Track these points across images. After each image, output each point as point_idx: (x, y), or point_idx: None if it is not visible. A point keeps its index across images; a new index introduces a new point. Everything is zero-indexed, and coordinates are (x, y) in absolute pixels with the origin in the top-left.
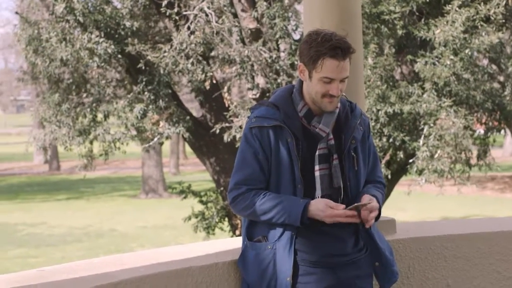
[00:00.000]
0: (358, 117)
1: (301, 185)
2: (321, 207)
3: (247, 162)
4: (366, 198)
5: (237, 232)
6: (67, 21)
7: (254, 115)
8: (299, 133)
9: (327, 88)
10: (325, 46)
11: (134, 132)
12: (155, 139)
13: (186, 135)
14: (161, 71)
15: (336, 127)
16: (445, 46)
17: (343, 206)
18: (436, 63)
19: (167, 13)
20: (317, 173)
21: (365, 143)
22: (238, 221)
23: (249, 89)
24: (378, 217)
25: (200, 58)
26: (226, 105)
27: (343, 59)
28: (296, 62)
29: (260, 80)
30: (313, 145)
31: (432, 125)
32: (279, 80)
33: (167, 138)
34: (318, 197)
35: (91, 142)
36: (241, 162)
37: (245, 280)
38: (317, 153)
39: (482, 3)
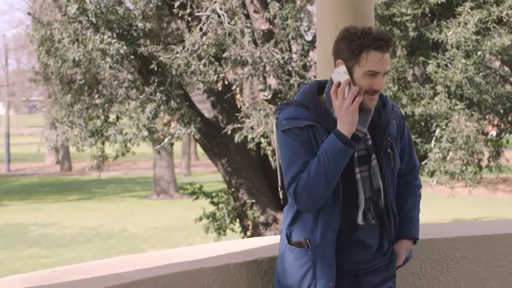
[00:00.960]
0: (391, 111)
1: (341, 189)
2: (342, 118)
3: (298, 153)
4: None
5: (248, 233)
6: (80, 22)
7: (284, 116)
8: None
9: (371, 83)
10: (368, 39)
11: (145, 133)
12: (166, 139)
13: (197, 136)
14: (173, 72)
15: (371, 124)
16: (457, 48)
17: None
18: (449, 65)
19: (180, 14)
20: (358, 176)
21: (399, 137)
22: (250, 222)
23: (261, 90)
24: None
25: (213, 59)
26: (238, 106)
27: (387, 50)
28: (308, 63)
29: (272, 81)
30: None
31: (444, 127)
32: (291, 81)
33: (178, 138)
34: (361, 202)
35: (103, 143)
36: (291, 156)
37: (280, 283)
38: (355, 154)
39: (494, 5)
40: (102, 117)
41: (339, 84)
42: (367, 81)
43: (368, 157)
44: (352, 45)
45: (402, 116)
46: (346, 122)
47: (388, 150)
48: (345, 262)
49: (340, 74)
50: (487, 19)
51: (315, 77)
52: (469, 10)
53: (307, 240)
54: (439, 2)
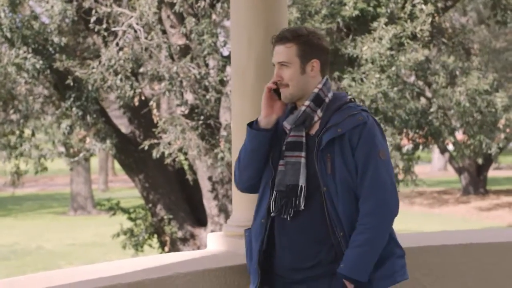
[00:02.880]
0: (339, 119)
1: (271, 176)
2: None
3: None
4: None
5: (166, 249)
6: None
7: None
8: (280, 128)
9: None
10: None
11: (61, 149)
12: (81, 154)
13: (113, 151)
14: (90, 87)
15: (319, 128)
16: (372, 62)
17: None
18: (364, 79)
19: (96, 29)
20: (278, 168)
21: (348, 147)
22: (167, 238)
23: (178, 105)
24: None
25: (129, 74)
26: (155, 122)
27: (278, 43)
28: (225, 78)
29: (189, 97)
30: (282, 140)
31: None
32: (207, 97)
33: (92, 154)
34: (274, 191)
35: (16, 158)
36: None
37: None
38: (283, 148)
39: (408, 21)
40: (17, 132)
41: None
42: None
43: (283, 153)
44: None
45: (361, 131)
46: (261, 109)
47: (328, 155)
48: (279, 262)
49: None
50: (401, 34)
51: (231, 91)
52: (383, 26)
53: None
54: (354, 15)
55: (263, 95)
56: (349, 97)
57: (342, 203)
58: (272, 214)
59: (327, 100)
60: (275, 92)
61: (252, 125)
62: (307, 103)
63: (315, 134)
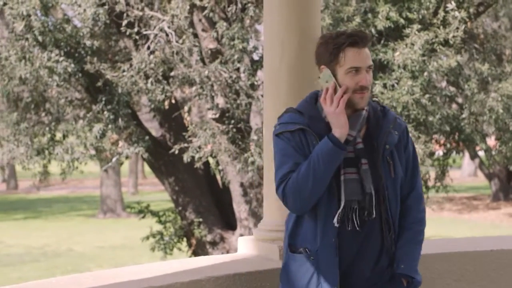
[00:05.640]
0: (392, 121)
1: (333, 190)
2: (335, 122)
3: (289, 154)
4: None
5: (195, 252)
6: (27, 39)
7: (279, 122)
8: (324, 136)
9: (356, 80)
10: (342, 37)
11: (93, 152)
12: (114, 159)
13: (145, 155)
14: (120, 91)
15: (368, 133)
16: (404, 68)
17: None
18: (395, 85)
19: (127, 33)
20: (342, 177)
21: (402, 149)
22: (196, 241)
23: (208, 109)
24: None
25: (160, 78)
26: (186, 125)
27: (363, 45)
28: (256, 82)
29: (219, 100)
30: None
31: None
32: (238, 101)
33: (126, 158)
34: (342, 203)
35: (49, 161)
36: (282, 157)
37: None
38: (345, 156)
39: (441, 27)
40: (49, 135)
41: (327, 90)
42: (351, 79)
43: (357, 160)
44: (329, 47)
45: (406, 131)
46: (338, 125)
47: (388, 159)
48: (348, 273)
49: (325, 79)
50: (433, 40)
51: (262, 96)
52: (416, 32)
53: (306, 249)
54: (387, 26)
55: (341, 107)
56: (375, 99)
57: (396, 205)
58: (336, 225)
59: None
60: None
61: (335, 143)
62: (367, 107)
63: (364, 138)
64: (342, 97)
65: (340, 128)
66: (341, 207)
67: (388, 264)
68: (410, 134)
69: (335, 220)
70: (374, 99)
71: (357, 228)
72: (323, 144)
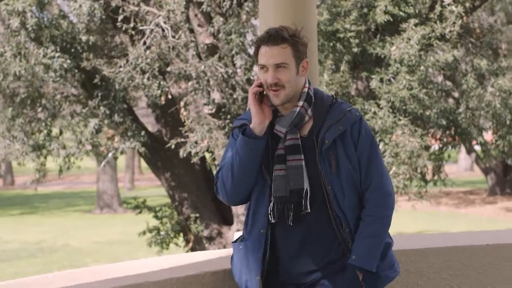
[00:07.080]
0: (337, 116)
1: (268, 185)
2: (252, 113)
3: (228, 149)
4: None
5: (192, 247)
6: (23, 35)
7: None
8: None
9: (265, 77)
10: (261, 36)
11: (89, 147)
12: (110, 154)
13: (142, 150)
14: (117, 86)
15: (311, 128)
16: (400, 63)
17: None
18: (392, 80)
19: (124, 28)
20: (274, 173)
21: (350, 143)
22: (192, 236)
23: (205, 104)
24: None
25: (156, 73)
26: (182, 120)
27: (273, 44)
28: (252, 77)
29: (216, 96)
30: (275, 145)
31: (387, 142)
32: (235, 96)
33: (121, 153)
34: (272, 199)
35: (45, 157)
36: (225, 152)
37: (235, 281)
38: (276, 153)
39: (438, 22)
40: (45, 131)
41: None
42: (262, 75)
43: (284, 157)
44: (255, 45)
45: (360, 123)
46: (253, 117)
47: (330, 153)
48: (287, 269)
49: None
50: (430, 35)
51: None
52: (413, 27)
53: (242, 237)
54: (385, 21)
55: (251, 101)
56: (331, 93)
57: (348, 199)
58: (273, 221)
59: (313, 99)
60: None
61: (246, 134)
62: (300, 103)
63: (308, 134)
64: (253, 90)
65: (254, 119)
66: (272, 202)
67: (341, 256)
68: (406, 128)
69: (270, 215)
70: (331, 93)
71: (290, 223)
72: (240, 136)
